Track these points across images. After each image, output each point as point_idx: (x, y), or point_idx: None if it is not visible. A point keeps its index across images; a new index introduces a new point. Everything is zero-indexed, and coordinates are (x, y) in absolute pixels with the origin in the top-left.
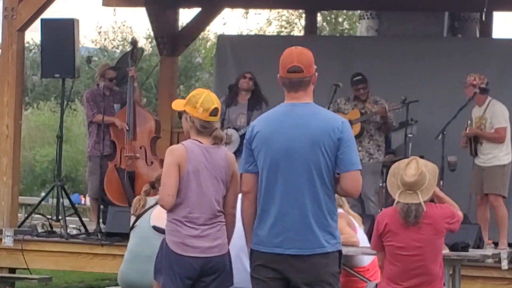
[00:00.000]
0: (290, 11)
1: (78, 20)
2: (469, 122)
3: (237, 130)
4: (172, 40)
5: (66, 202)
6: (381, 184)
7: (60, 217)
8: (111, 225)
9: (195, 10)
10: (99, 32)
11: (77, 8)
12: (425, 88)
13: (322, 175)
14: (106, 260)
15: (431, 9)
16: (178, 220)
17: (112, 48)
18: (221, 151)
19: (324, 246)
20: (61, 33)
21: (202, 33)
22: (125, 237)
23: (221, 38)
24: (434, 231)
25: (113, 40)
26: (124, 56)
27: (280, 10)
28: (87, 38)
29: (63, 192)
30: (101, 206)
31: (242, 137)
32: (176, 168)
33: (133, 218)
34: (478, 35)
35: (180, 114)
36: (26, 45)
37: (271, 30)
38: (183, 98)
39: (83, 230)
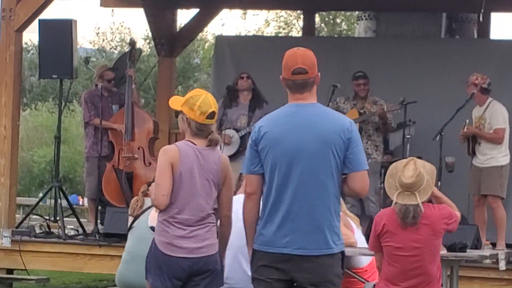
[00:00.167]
0: (288, 12)
1: (76, 21)
2: (467, 121)
3: (237, 131)
4: (170, 41)
5: (64, 203)
6: (379, 185)
7: (58, 218)
8: (109, 226)
9: (193, 11)
10: (97, 33)
11: (75, 8)
12: (423, 89)
13: (332, 175)
14: (104, 260)
15: (429, 10)
16: (167, 220)
17: (110, 49)
18: (215, 153)
19: (331, 247)
20: (59, 33)
21: (200, 34)
22: (123, 237)
23: (219, 39)
24: (432, 232)
25: (111, 41)
26: (122, 57)
27: (278, 11)
28: (85, 39)
29: (61, 193)
30: (99, 207)
31: (242, 138)
32: (169, 168)
33: (131, 219)
34: (476, 36)
35: (177, 112)
36: (24, 46)
37: (269, 31)
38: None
39: (81, 231)
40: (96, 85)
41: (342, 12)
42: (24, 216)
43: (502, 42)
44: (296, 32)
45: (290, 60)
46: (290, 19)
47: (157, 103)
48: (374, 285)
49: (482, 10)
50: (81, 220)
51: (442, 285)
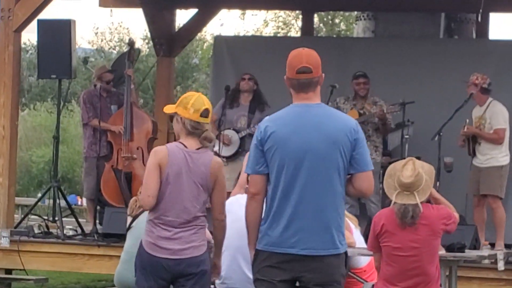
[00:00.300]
0: (287, 12)
1: (74, 21)
2: (467, 121)
3: (237, 132)
4: (169, 41)
5: (63, 203)
6: (379, 186)
7: (56, 218)
8: (107, 226)
9: (192, 11)
10: (96, 33)
11: (74, 9)
12: (422, 89)
13: (339, 176)
14: (103, 261)
15: (428, 10)
16: (152, 221)
17: (109, 49)
18: (206, 156)
19: (338, 247)
20: (58, 34)
21: (199, 34)
22: (121, 238)
23: (218, 39)
24: (430, 232)
25: (110, 41)
26: (121, 57)
27: (277, 11)
28: (83, 39)
29: (60, 193)
30: (98, 207)
31: (242, 139)
32: (157, 170)
33: (129, 219)
34: (474, 36)
35: (172, 118)
36: (23, 46)
37: (268, 31)
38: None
39: (79, 231)
40: (95, 86)
41: (341, 12)
42: (22, 216)
43: (501, 42)
44: (295, 32)
45: (295, 60)
46: (288, 19)
47: (155, 103)
48: (373, 285)
49: (481, 10)
50: (80, 220)
51: (440, 285)
